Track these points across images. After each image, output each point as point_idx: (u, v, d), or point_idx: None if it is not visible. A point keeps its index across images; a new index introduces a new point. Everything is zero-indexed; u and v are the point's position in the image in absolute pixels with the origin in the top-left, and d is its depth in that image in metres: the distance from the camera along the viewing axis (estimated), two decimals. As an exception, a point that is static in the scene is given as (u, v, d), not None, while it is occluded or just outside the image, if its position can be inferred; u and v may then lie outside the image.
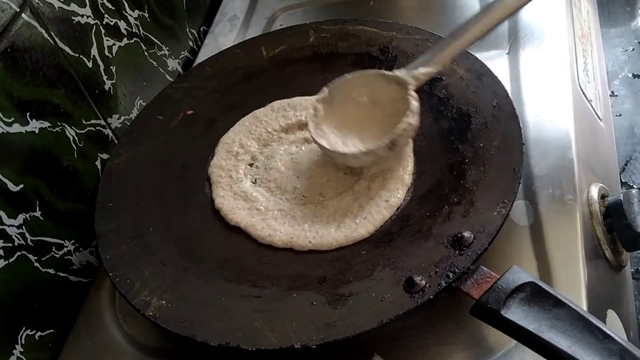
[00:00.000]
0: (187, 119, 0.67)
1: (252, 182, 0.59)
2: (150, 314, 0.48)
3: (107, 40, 0.67)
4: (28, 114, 0.55)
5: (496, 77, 0.57)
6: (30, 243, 0.54)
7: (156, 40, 0.77)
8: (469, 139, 0.55)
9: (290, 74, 0.69)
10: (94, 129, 0.64)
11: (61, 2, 0.60)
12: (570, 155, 0.55)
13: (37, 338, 0.55)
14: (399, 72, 0.55)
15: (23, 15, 0.54)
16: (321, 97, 0.56)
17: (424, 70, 0.54)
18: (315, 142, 0.55)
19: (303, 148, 0.61)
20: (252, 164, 0.61)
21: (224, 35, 0.86)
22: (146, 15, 0.75)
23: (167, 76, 0.79)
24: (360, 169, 0.57)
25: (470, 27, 0.53)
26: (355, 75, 0.57)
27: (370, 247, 0.51)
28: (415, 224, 0.51)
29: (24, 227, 0.54)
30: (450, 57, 0.54)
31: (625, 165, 0.83)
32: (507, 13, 0.52)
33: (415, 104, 0.52)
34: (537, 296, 0.40)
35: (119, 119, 0.68)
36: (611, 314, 0.50)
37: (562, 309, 0.39)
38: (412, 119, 0.52)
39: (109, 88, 0.67)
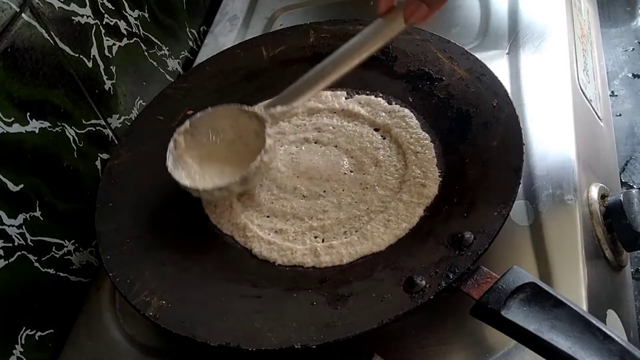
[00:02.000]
0: (187, 119, 0.67)
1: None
2: (151, 314, 0.48)
3: (107, 40, 0.67)
4: (28, 114, 0.55)
5: (496, 77, 0.57)
6: (30, 243, 0.54)
7: (156, 40, 0.77)
8: (469, 139, 0.55)
9: (290, 74, 0.68)
10: (94, 129, 0.64)
11: (61, 2, 0.60)
12: (570, 155, 0.55)
13: (37, 338, 0.55)
14: (257, 109, 0.56)
15: (23, 15, 0.54)
16: (182, 129, 0.57)
17: (280, 110, 0.55)
18: (171, 174, 0.55)
19: (303, 148, 0.61)
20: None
21: (224, 35, 0.86)
22: (146, 15, 0.75)
23: (167, 76, 0.79)
24: (360, 168, 0.57)
25: (330, 70, 0.53)
26: (218, 109, 0.58)
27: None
28: (415, 224, 0.51)
29: (24, 227, 0.54)
30: (309, 98, 0.55)
31: (625, 165, 0.83)
32: (368, 52, 0.52)
33: (269, 142, 0.54)
34: (538, 296, 0.40)
35: (119, 119, 0.68)
36: (611, 314, 0.50)
37: (562, 309, 0.39)
38: (266, 157, 0.53)
39: (109, 88, 0.67)
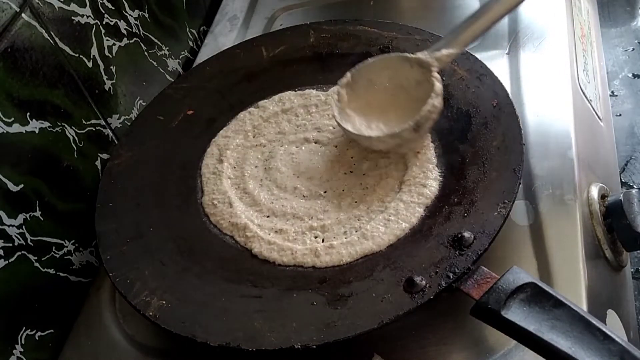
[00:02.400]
0: (187, 119, 0.67)
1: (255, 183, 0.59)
2: (151, 314, 0.48)
3: (107, 40, 0.67)
4: (28, 114, 0.55)
5: (496, 77, 0.57)
6: (30, 243, 0.54)
7: (156, 40, 0.77)
8: (469, 139, 0.55)
9: (290, 74, 0.69)
10: (94, 129, 0.64)
11: (61, 2, 0.60)
12: (570, 155, 0.55)
13: (37, 338, 0.55)
14: (422, 54, 0.55)
15: (23, 15, 0.54)
16: (344, 82, 0.57)
17: (446, 52, 0.54)
18: (340, 125, 0.55)
19: (303, 148, 0.61)
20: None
21: (224, 35, 0.86)
22: (146, 15, 0.75)
23: (167, 76, 0.79)
24: (361, 168, 0.57)
25: (489, 9, 0.52)
26: (378, 59, 0.57)
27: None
28: (415, 223, 0.51)
29: (24, 227, 0.54)
30: (472, 38, 0.54)
31: (625, 165, 0.83)
32: None
33: (439, 85, 0.52)
34: (538, 297, 0.40)
35: (119, 119, 0.68)
36: (611, 314, 0.50)
37: (562, 309, 0.39)
38: (437, 101, 0.52)
39: (109, 88, 0.67)
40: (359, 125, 0.55)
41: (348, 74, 0.57)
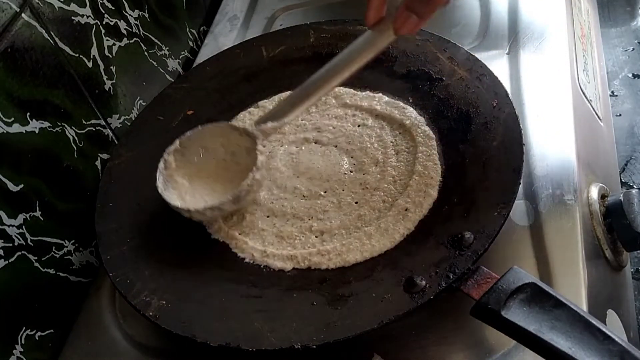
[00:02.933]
0: (187, 119, 0.67)
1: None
2: (151, 314, 0.48)
3: (107, 40, 0.67)
4: (28, 114, 0.55)
5: (496, 78, 0.57)
6: (30, 243, 0.54)
7: (156, 40, 0.77)
8: (469, 139, 0.55)
9: (290, 75, 0.68)
10: (94, 129, 0.64)
11: (61, 2, 0.60)
12: (570, 155, 0.55)
13: (37, 338, 0.55)
14: (248, 126, 0.56)
15: (23, 15, 0.54)
16: (172, 149, 0.56)
17: (271, 125, 0.54)
18: (161, 195, 0.54)
19: (303, 148, 0.61)
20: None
21: (224, 35, 0.86)
22: (146, 15, 0.75)
23: (167, 76, 0.79)
24: (360, 168, 0.57)
25: (321, 83, 0.52)
26: (208, 127, 0.57)
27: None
28: (416, 225, 0.51)
29: (24, 227, 0.54)
30: (299, 113, 0.54)
31: (625, 165, 0.83)
32: (359, 64, 0.51)
33: (261, 159, 0.53)
34: (538, 297, 0.40)
35: (119, 119, 0.68)
36: (611, 314, 0.50)
37: (562, 309, 0.39)
38: (258, 175, 0.53)
39: (109, 88, 0.67)
40: (184, 194, 0.55)
41: (177, 141, 0.56)
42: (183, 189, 0.56)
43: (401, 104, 0.61)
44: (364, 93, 0.64)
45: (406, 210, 0.52)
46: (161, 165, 0.56)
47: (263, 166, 0.54)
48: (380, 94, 0.63)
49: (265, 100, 0.67)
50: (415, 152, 0.56)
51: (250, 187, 0.53)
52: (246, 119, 0.66)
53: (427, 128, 0.58)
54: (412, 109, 0.60)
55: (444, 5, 0.46)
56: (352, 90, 0.65)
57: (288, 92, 0.66)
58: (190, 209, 0.53)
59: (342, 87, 0.65)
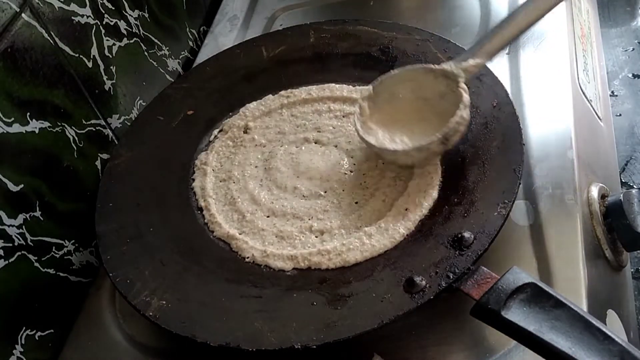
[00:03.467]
0: (187, 119, 0.67)
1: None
2: (151, 314, 0.48)
3: (107, 40, 0.67)
4: (28, 114, 0.55)
5: (496, 78, 0.57)
6: (30, 243, 0.54)
7: (156, 40, 0.77)
8: (469, 139, 0.55)
9: (290, 75, 0.69)
10: (94, 129, 0.64)
11: (61, 2, 0.60)
12: (570, 155, 0.55)
13: (37, 338, 0.55)
14: (447, 66, 0.54)
15: (23, 15, 0.54)
16: (365, 95, 0.55)
17: (473, 62, 0.52)
18: (363, 139, 0.53)
19: (303, 148, 0.61)
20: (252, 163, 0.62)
21: (224, 35, 0.86)
22: (146, 15, 0.75)
23: (167, 76, 0.79)
24: (360, 168, 0.57)
25: (515, 18, 0.51)
26: (401, 71, 0.56)
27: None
28: (417, 225, 0.51)
29: (24, 227, 0.54)
30: (498, 48, 0.52)
31: (625, 165, 0.83)
32: (551, 5, 0.50)
33: (466, 97, 0.51)
34: (538, 297, 0.40)
35: (119, 119, 0.68)
36: (611, 314, 0.50)
37: (562, 309, 0.39)
38: (465, 113, 0.51)
39: (109, 88, 0.67)
40: (382, 139, 0.54)
41: (370, 87, 0.56)
42: (379, 134, 0.55)
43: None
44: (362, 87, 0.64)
45: (406, 210, 0.52)
46: (357, 110, 0.55)
47: (469, 104, 0.51)
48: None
49: (253, 103, 0.67)
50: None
51: (458, 125, 0.51)
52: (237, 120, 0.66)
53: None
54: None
55: None
56: (350, 86, 0.65)
57: (287, 91, 0.67)
58: (398, 150, 0.52)
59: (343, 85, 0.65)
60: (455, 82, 0.53)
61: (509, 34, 0.52)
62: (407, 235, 0.51)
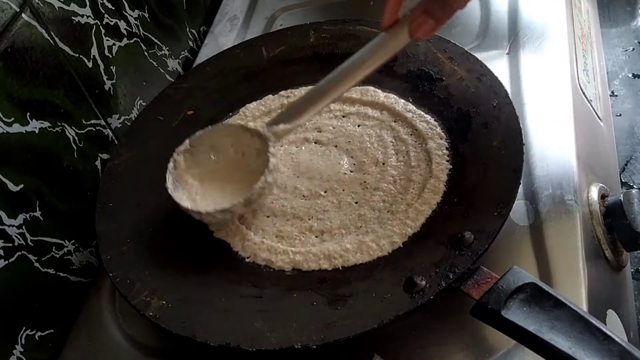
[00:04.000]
0: (187, 119, 0.67)
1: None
2: (151, 314, 0.48)
3: (107, 40, 0.67)
4: (28, 114, 0.55)
5: (496, 78, 0.57)
6: (30, 243, 0.54)
7: (156, 40, 0.77)
8: (469, 139, 0.55)
9: (290, 75, 0.69)
10: (94, 129, 0.64)
11: (61, 2, 0.60)
12: (570, 155, 0.55)
13: (37, 338, 0.55)
14: (260, 128, 0.55)
15: (23, 15, 0.54)
16: (181, 149, 0.56)
17: (283, 127, 0.54)
18: (171, 196, 0.54)
19: (303, 148, 0.61)
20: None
21: (224, 35, 0.86)
22: (146, 15, 0.75)
23: (167, 76, 0.79)
24: (360, 168, 0.57)
25: (334, 86, 0.52)
26: (218, 127, 0.57)
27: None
28: (418, 226, 0.51)
29: (24, 227, 0.54)
30: (311, 115, 0.54)
31: (625, 165, 0.83)
32: (372, 67, 0.50)
33: (273, 161, 0.53)
34: (538, 297, 0.40)
35: (119, 119, 0.68)
36: (611, 314, 0.50)
37: (562, 309, 0.39)
38: (269, 177, 0.52)
39: (109, 88, 0.67)
40: (195, 195, 0.55)
41: (187, 141, 0.56)
42: (193, 189, 0.55)
43: (402, 101, 0.61)
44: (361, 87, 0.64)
45: (407, 211, 0.52)
46: (170, 165, 0.55)
47: (275, 169, 0.53)
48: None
49: (253, 103, 0.67)
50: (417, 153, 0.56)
51: (262, 189, 0.52)
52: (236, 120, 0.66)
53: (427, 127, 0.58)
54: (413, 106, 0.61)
55: (461, 9, 0.45)
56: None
57: (287, 91, 0.67)
58: (201, 211, 0.52)
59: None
60: (266, 144, 0.53)
61: (318, 107, 0.53)
62: (409, 236, 0.51)
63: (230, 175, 0.56)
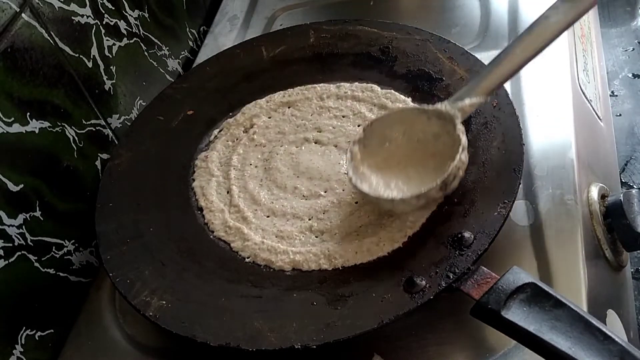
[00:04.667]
0: (187, 119, 0.67)
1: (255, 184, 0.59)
2: (151, 314, 0.48)
3: (107, 40, 0.67)
4: (28, 114, 0.55)
5: (496, 77, 0.57)
6: (30, 243, 0.54)
7: (156, 40, 0.77)
8: (469, 139, 0.55)
9: (290, 74, 0.69)
10: (94, 129, 0.64)
11: (61, 2, 0.60)
12: (570, 155, 0.55)
13: (37, 338, 0.55)
14: (441, 106, 0.51)
15: (23, 15, 0.54)
16: (357, 139, 0.53)
17: (469, 102, 0.50)
18: (356, 187, 0.51)
19: (303, 148, 0.61)
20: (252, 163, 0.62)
21: (224, 35, 0.86)
22: (146, 15, 0.75)
23: (167, 76, 0.79)
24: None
25: (512, 52, 0.48)
26: (392, 112, 0.54)
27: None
28: (419, 227, 0.51)
29: (24, 227, 0.54)
30: (496, 85, 0.50)
31: (625, 165, 0.84)
32: (552, 37, 0.47)
33: (464, 139, 0.49)
34: (538, 297, 0.40)
35: (119, 119, 0.68)
36: (611, 314, 0.50)
37: (562, 309, 0.39)
38: (463, 155, 0.49)
39: (109, 88, 0.67)
40: (376, 185, 0.51)
41: (360, 130, 0.53)
42: (372, 179, 0.52)
43: (402, 100, 0.61)
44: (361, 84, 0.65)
45: (407, 212, 0.52)
46: (348, 156, 0.52)
47: (467, 146, 0.49)
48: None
49: (253, 103, 0.67)
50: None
51: (458, 169, 0.48)
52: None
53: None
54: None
55: None
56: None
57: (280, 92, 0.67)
58: (395, 198, 0.49)
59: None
60: (452, 123, 0.50)
61: (506, 71, 0.49)
62: (409, 236, 0.51)
63: (408, 163, 0.53)
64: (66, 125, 0.60)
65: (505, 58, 0.49)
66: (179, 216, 0.58)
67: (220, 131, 0.66)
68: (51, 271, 0.57)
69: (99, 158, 0.65)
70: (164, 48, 0.78)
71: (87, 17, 0.64)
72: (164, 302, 0.49)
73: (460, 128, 0.50)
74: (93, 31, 0.65)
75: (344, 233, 0.53)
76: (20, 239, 0.53)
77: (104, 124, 0.66)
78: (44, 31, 0.57)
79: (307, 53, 0.70)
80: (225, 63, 0.71)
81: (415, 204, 0.49)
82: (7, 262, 0.52)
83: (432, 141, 0.52)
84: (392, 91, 0.62)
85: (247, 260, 0.53)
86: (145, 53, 0.74)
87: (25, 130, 0.54)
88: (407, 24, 0.67)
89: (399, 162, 0.53)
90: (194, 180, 0.61)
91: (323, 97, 0.65)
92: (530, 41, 0.48)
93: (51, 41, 0.58)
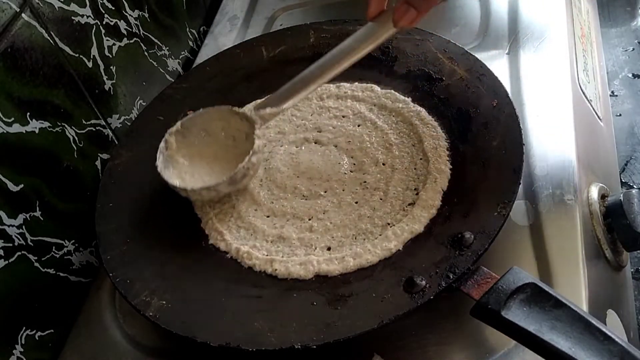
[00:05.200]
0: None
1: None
2: (151, 314, 0.48)
3: (107, 40, 0.67)
4: (28, 114, 0.55)
5: (496, 77, 0.57)
6: (30, 243, 0.54)
7: (156, 40, 0.77)
8: (469, 139, 0.55)
9: (290, 75, 0.68)
10: (94, 129, 0.64)
11: (61, 2, 0.60)
12: (570, 155, 0.55)
13: (37, 338, 0.55)
14: (247, 111, 0.57)
15: (23, 15, 0.54)
16: (173, 130, 0.58)
17: (269, 111, 0.55)
18: (160, 173, 0.55)
19: (303, 148, 0.61)
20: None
21: (224, 35, 0.86)
22: (146, 15, 0.75)
23: (167, 76, 0.79)
24: (360, 167, 0.57)
25: (321, 72, 0.54)
26: (209, 110, 0.59)
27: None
28: (420, 228, 0.51)
29: (24, 227, 0.54)
30: (298, 100, 0.55)
31: (625, 165, 0.83)
32: (349, 58, 0.53)
33: (258, 143, 0.54)
34: (538, 297, 0.40)
35: (119, 119, 0.68)
36: (611, 314, 0.50)
37: (562, 309, 0.39)
38: (254, 158, 0.54)
39: (109, 88, 0.67)
40: (184, 174, 0.57)
41: (178, 123, 0.58)
42: (183, 168, 0.57)
43: (402, 100, 0.61)
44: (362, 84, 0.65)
45: (409, 210, 0.52)
46: (162, 145, 0.57)
47: (260, 150, 0.55)
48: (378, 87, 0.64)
49: (253, 103, 0.67)
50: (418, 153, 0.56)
51: (246, 170, 0.54)
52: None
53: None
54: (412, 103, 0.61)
55: (441, 1, 0.47)
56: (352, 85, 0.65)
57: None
58: (187, 188, 0.54)
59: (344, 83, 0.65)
60: (253, 127, 0.55)
61: (305, 92, 0.55)
62: (412, 237, 0.51)
63: (220, 157, 0.58)
64: (66, 125, 0.60)
65: (310, 76, 0.54)
66: (179, 216, 0.58)
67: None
68: (51, 271, 0.57)
69: (99, 158, 0.65)
70: (164, 48, 0.78)
71: (87, 17, 0.64)
72: (164, 302, 0.49)
73: (258, 133, 0.55)
74: (93, 31, 0.65)
75: (344, 236, 0.53)
76: (20, 239, 0.53)
77: (104, 124, 0.66)
78: (44, 31, 0.57)
79: (307, 53, 0.70)
80: (225, 63, 0.71)
81: (206, 195, 0.54)
82: (7, 262, 0.52)
83: (243, 141, 0.57)
84: (392, 91, 0.63)
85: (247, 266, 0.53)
86: (145, 53, 0.74)
87: (25, 130, 0.54)
88: (407, 24, 0.67)
89: (210, 155, 0.58)
90: None
91: (323, 97, 0.65)
92: (328, 59, 0.54)
93: (51, 41, 0.58)
